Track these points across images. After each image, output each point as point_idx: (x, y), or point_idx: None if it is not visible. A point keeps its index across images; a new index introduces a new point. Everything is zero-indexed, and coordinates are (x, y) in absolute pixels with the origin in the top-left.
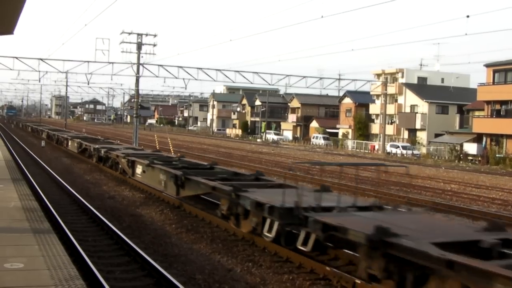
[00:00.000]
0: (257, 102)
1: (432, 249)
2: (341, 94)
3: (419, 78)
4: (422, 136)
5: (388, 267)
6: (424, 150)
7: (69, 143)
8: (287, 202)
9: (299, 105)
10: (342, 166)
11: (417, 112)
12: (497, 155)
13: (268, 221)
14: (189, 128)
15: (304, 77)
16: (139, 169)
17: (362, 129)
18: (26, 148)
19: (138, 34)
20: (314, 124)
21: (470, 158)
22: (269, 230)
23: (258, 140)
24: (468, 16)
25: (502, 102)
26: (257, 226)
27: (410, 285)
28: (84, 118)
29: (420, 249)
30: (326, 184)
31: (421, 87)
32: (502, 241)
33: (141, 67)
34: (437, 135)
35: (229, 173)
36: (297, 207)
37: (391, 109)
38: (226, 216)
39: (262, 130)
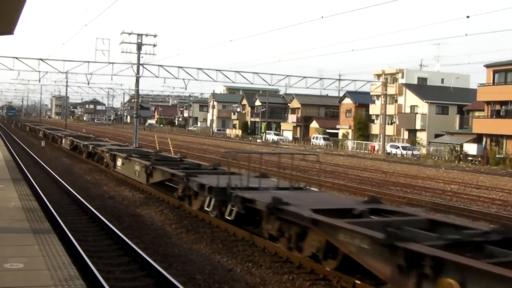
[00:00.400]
0: (257, 103)
1: (307, 212)
2: (341, 94)
3: (419, 78)
4: (422, 136)
5: (281, 228)
6: (424, 151)
7: (63, 141)
8: (222, 184)
9: (299, 106)
10: (277, 155)
11: (417, 113)
12: (497, 156)
13: (208, 199)
14: (189, 128)
15: (304, 77)
16: (119, 162)
17: (362, 130)
18: (26, 148)
19: (138, 35)
20: (314, 124)
21: (470, 158)
22: (209, 206)
23: (258, 140)
24: (468, 17)
25: (502, 103)
26: (203, 203)
27: (294, 240)
28: (84, 118)
29: (298, 213)
30: (264, 172)
31: (421, 88)
32: (371, 210)
33: (141, 67)
34: (437, 136)
35: (193, 164)
36: (227, 187)
37: (391, 109)
38: (181, 197)
39: (262, 131)
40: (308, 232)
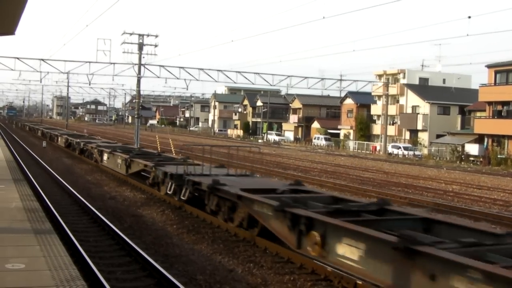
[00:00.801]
0: (259, 103)
1: (235, 190)
2: (343, 94)
3: (420, 79)
4: (423, 137)
5: (218, 203)
6: (425, 151)
7: (59, 139)
8: (180, 171)
9: (300, 106)
10: (230, 148)
11: (418, 113)
12: (498, 156)
13: (170, 184)
14: (191, 128)
15: (306, 77)
16: (105, 156)
17: (364, 130)
18: (27, 149)
19: (140, 35)
20: (315, 124)
21: (472, 159)
22: (170, 189)
23: (260, 140)
24: (469, 17)
25: (504, 103)
26: (167, 189)
27: (227, 213)
28: (86, 118)
29: (229, 191)
30: (223, 163)
31: (423, 88)
32: (292, 190)
33: (142, 67)
34: (438, 136)
35: (167, 157)
36: (183, 173)
37: (392, 109)
38: (151, 184)
39: (264, 131)
40: (237, 206)
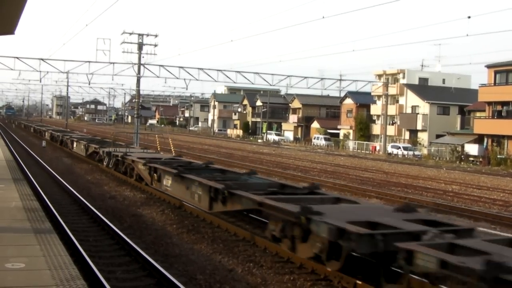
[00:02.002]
0: (258, 103)
1: (120, 154)
2: (342, 94)
3: (420, 79)
4: (423, 137)
5: (126, 168)
6: (425, 151)
7: (46, 134)
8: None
9: (300, 106)
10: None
11: (418, 113)
12: (498, 156)
13: (107, 159)
14: (190, 128)
15: (305, 77)
16: (75, 144)
17: (363, 130)
18: (27, 148)
19: (139, 35)
20: (315, 124)
21: (471, 159)
22: (104, 162)
23: (259, 140)
24: (469, 17)
25: (503, 103)
26: (104, 162)
27: (129, 171)
28: (85, 118)
29: (116, 154)
30: (180, 154)
31: (422, 88)
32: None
33: (142, 67)
34: (438, 136)
35: (109, 143)
36: (111, 151)
37: (392, 109)
38: (98, 160)
39: (263, 131)
40: (124, 161)
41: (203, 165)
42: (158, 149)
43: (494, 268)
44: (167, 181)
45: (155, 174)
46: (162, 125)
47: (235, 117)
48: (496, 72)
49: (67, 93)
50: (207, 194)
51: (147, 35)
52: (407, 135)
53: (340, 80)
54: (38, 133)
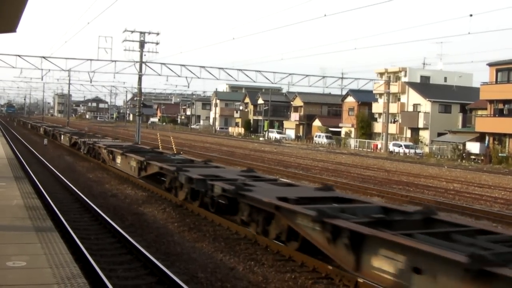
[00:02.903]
0: (260, 101)
1: (91, 142)
2: (344, 92)
3: (422, 77)
4: (424, 135)
5: (109, 154)
6: (426, 149)
7: (40, 129)
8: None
9: (301, 104)
10: None
11: (420, 111)
12: (499, 154)
13: (82, 147)
14: (192, 126)
15: (307, 75)
16: (61, 137)
17: (365, 128)
18: (29, 146)
19: (141, 33)
20: (316, 122)
21: (473, 157)
22: (82, 150)
23: (261, 138)
24: (471, 15)
25: (505, 101)
26: (84, 151)
27: (86, 150)
28: (87, 116)
29: (88, 141)
30: (137, 143)
31: (424, 86)
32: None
33: (143, 65)
34: (439, 134)
35: (94, 136)
36: (87, 142)
37: (394, 108)
38: (78, 148)
39: (265, 129)
40: (84, 145)
41: (149, 149)
42: (160, 148)
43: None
44: (118, 160)
45: (111, 155)
46: (164, 123)
47: (236, 115)
48: (498, 70)
49: (69, 91)
50: (137, 165)
51: (149, 33)
52: (408, 133)
53: (342, 78)
54: (34, 128)
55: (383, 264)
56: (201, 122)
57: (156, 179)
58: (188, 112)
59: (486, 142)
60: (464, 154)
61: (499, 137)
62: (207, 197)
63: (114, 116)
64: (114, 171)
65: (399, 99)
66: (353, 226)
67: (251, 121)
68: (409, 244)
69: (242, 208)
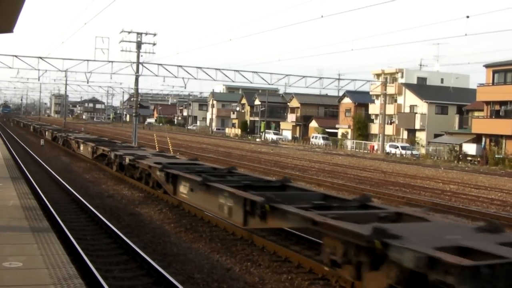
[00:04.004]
0: (257, 102)
1: (72, 137)
2: (341, 94)
3: (418, 78)
4: (421, 136)
5: (93, 150)
6: (423, 151)
7: (31, 127)
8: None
9: (298, 105)
10: None
11: (416, 113)
12: (496, 156)
13: (59, 139)
14: (189, 127)
15: (304, 76)
16: (47, 133)
17: (362, 129)
18: (25, 147)
19: (138, 33)
20: (313, 124)
21: (469, 158)
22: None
23: (258, 139)
24: (468, 17)
25: (502, 103)
26: (59, 142)
27: (88, 152)
28: (84, 117)
29: (70, 137)
30: (101, 135)
31: (421, 87)
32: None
33: (140, 66)
34: (436, 136)
35: (65, 130)
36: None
37: (390, 109)
38: (53, 139)
39: (262, 130)
40: (59, 139)
41: (108, 140)
42: (156, 149)
43: None
44: (82, 147)
45: (77, 144)
46: (161, 124)
47: (233, 116)
48: (494, 72)
49: (66, 91)
50: (92, 151)
51: (146, 33)
52: (405, 134)
53: (339, 79)
54: (25, 126)
55: (183, 190)
56: (198, 123)
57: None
58: (185, 113)
59: (483, 143)
60: (460, 156)
61: (496, 139)
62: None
63: (111, 116)
64: (79, 156)
65: (395, 100)
66: (174, 172)
67: (248, 122)
68: (190, 177)
69: None
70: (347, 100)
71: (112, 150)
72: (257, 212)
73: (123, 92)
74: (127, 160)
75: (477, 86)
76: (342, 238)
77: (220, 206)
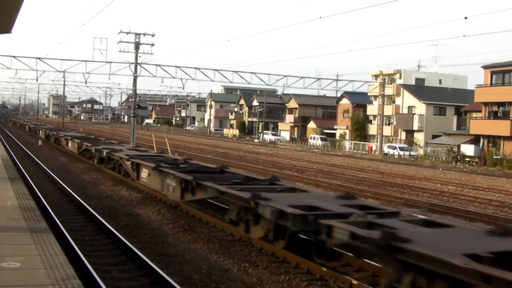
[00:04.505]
0: (255, 103)
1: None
2: (339, 95)
3: (416, 79)
4: (419, 137)
5: (80, 148)
6: (421, 151)
7: (26, 127)
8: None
9: (296, 106)
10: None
11: (414, 113)
12: (494, 157)
13: (51, 137)
14: (187, 128)
15: (302, 77)
16: (41, 132)
17: (360, 130)
18: (24, 147)
19: (136, 34)
20: (311, 124)
21: (467, 159)
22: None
23: (256, 140)
24: (466, 18)
25: (500, 104)
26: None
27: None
28: (82, 117)
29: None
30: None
31: (419, 88)
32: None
33: (138, 66)
34: (434, 137)
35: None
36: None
37: (388, 110)
38: (44, 137)
39: (260, 131)
40: (50, 136)
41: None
42: (155, 149)
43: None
44: (70, 144)
45: (66, 141)
46: (159, 125)
47: (231, 116)
48: (492, 73)
49: (64, 92)
50: (78, 146)
51: (144, 34)
52: (403, 135)
53: (337, 80)
54: (21, 126)
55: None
56: (196, 123)
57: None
58: (183, 114)
59: (481, 144)
60: (458, 156)
61: (494, 140)
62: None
63: (109, 117)
64: (67, 151)
65: (394, 101)
66: (137, 161)
67: (246, 123)
68: (147, 164)
69: None
70: (345, 101)
71: (94, 145)
72: (189, 188)
73: (121, 92)
74: (104, 153)
75: (475, 87)
76: (236, 203)
77: (167, 186)
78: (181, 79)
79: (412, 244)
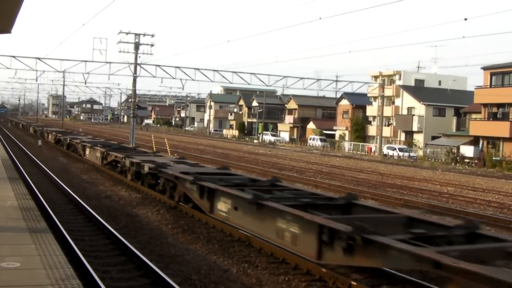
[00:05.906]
0: (254, 103)
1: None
2: (338, 95)
3: (416, 80)
4: (419, 138)
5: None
6: (420, 153)
7: (21, 125)
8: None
9: (296, 107)
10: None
11: (414, 114)
12: (493, 158)
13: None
14: (186, 128)
15: (302, 78)
16: (30, 128)
17: (359, 131)
18: (23, 148)
19: (136, 34)
20: (311, 125)
21: (467, 160)
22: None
23: (255, 141)
24: (466, 19)
25: (499, 105)
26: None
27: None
28: (81, 117)
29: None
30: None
31: (418, 90)
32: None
33: (138, 67)
34: (434, 138)
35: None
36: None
37: (388, 111)
38: (33, 132)
39: (259, 131)
40: (44, 132)
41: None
42: (154, 149)
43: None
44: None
45: (48, 136)
46: (158, 125)
47: (231, 117)
48: (492, 74)
49: (63, 92)
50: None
51: (144, 34)
52: (402, 136)
53: (336, 81)
54: (17, 124)
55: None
56: (196, 124)
57: None
58: (183, 114)
59: (480, 145)
60: (458, 158)
61: (493, 141)
62: None
63: (109, 117)
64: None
65: (393, 102)
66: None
67: (246, 124)
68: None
69: None
70: (344, 102)
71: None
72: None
73: (121, 93)
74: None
75: (475, 88)
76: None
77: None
78: (180, 79)
79: (167, 169)
